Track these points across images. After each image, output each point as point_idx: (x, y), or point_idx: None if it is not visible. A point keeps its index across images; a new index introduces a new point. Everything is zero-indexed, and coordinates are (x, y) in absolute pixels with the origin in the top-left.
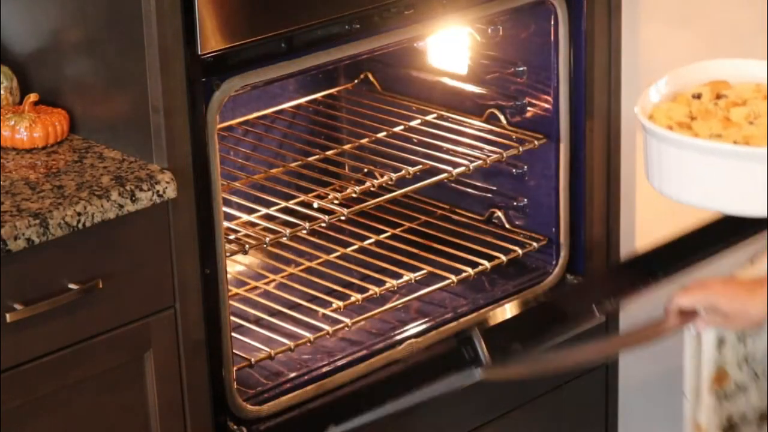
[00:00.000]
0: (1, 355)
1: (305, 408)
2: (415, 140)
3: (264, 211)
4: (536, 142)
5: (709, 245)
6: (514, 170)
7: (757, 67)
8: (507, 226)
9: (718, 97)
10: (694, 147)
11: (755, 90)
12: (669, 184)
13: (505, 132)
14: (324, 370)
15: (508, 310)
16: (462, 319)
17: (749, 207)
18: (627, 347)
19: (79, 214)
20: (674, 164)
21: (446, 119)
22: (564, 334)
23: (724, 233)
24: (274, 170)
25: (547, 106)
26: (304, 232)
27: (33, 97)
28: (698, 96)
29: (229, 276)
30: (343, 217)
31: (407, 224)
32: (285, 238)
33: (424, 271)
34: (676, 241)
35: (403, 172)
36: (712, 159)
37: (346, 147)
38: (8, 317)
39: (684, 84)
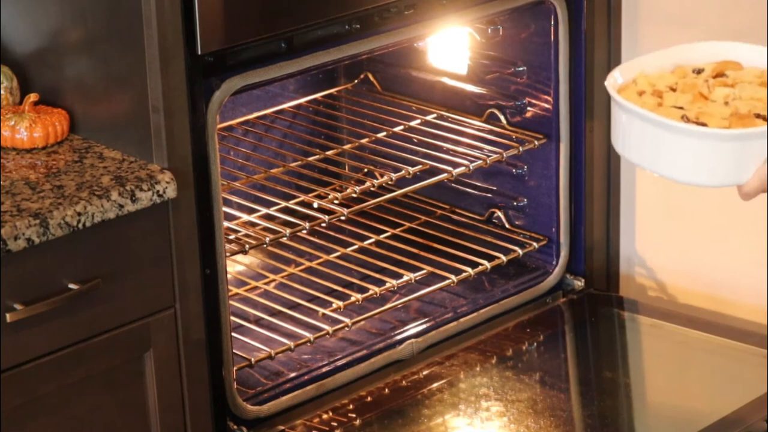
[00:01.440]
0: (1, 355)
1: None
2: (415, 140)
3: (264, 211)
4: (536, 142)
5: None
6: (514, 170)
7: None
8: (507, 226)
9: (718, 76)
10: (637, 114)
11: (757, 75)
12: (620, 144)
13: (505, 132)
14: (324, 370)
15: None
16: (462, 319)
17: (690, 177)
18: None
19: (79, 214)
20: (626, 128)
21: (446, 119)
22: None
23: None
24: (274, 170)
25: (547, 106)
26: (304, 232)
27: (33, 97)
28: (699, 71)
29: (229, 276)
30: (343, 217)
31: (407, 224)
32: (285, 238)
33: (424, 271)
34: None
35: (403, 172)
36: (652, 128)
37: (346, 147)
38: (8, 317)
39: (697, 58)
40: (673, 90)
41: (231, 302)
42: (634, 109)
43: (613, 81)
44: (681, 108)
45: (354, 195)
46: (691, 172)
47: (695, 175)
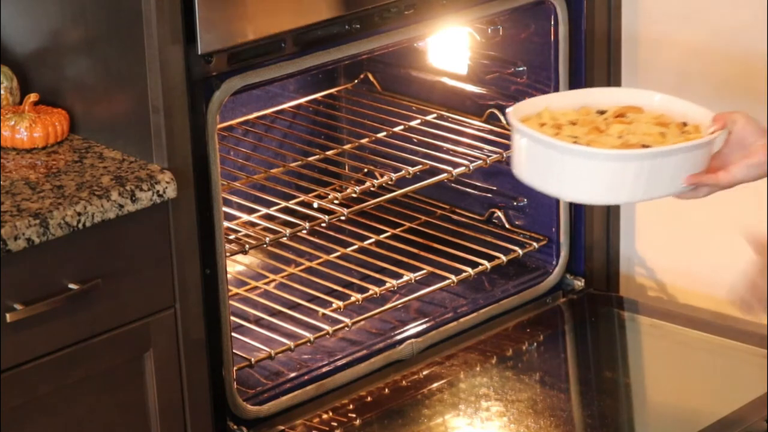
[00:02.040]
0: (1, 355)
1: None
2: (415, 140)
3: (264, 211)
4: None
5: None
6: None
7: (687, 108)
8: (507, 226)
9: (619, 116)
10: (529, 136)
11: (655, 117)
12: (515, 165)
13: (505, 132)
14: (324, 370)
15: None
16: (462, 319)
17: (574, 195)
18: None
19: (79, 214)
20: (520, 150)
21: (446, 119)
22: None
23: None
24: (274, 170)
25: None
26: (304, 232)
27: (33, 97)
28: (602, 112)
29: (229, 276)
30: (343, 217)
31: (407, 224)
32: (285, 238)
33: (424, 271)
34: None
35: (403, 172)
36: (542, 149)
37: (346, 147)
38: (8, 317)
39: (603, 101)
40: (574, 124)
41: (231, 302)
42: (526, 131)
43: (516, 110)
44: (575, 137)
45: (354, 195)
46: (575, 191)
47: (578, 193)
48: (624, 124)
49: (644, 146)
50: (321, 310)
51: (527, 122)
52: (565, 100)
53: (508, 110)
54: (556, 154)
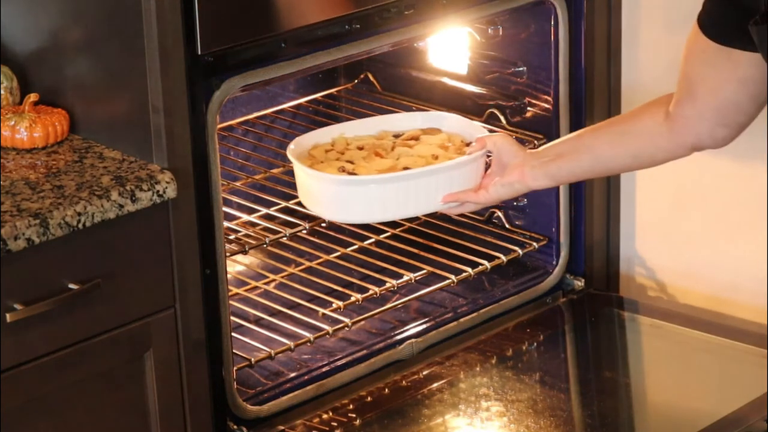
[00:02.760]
0: (1, 355)
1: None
2: None
3: (264, 211)
4: (536, 142)
5: None
6: None
7: (474, 130)
8: (507, 226)
9: (413, 139)
10: (294, 164)
11: (444, 139)
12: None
13: (505, 132)
14: (324, 370)
15: None
16: (462, 319)
17: (335, 216)
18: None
19: (79, 214)
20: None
21: None
22: None
23: None
24: (274, 170)
25: (547, 106)
26: (304, 232)
27: (33, 97)
28: (398, 135)
29: (229, 276)
30: None
31: (407, 224)
32: (285, 238)
33: (424, 271)
34: None
35: None
36: (302, 175)
37: None
38: (8, 317)
39: (404, 125)
40: (361, 149)
41: (231, 302)
42: (291, 158)
43: (304, 139)
44: (348, 162)
45: None
46: (332, 211)
47: (335, 214)
48: (406, 147)
49: (405, 169)
50: (321, 310)
51: (316, 149)
52: (368, 126)
53: (293, 141)
54: (308, 178)
